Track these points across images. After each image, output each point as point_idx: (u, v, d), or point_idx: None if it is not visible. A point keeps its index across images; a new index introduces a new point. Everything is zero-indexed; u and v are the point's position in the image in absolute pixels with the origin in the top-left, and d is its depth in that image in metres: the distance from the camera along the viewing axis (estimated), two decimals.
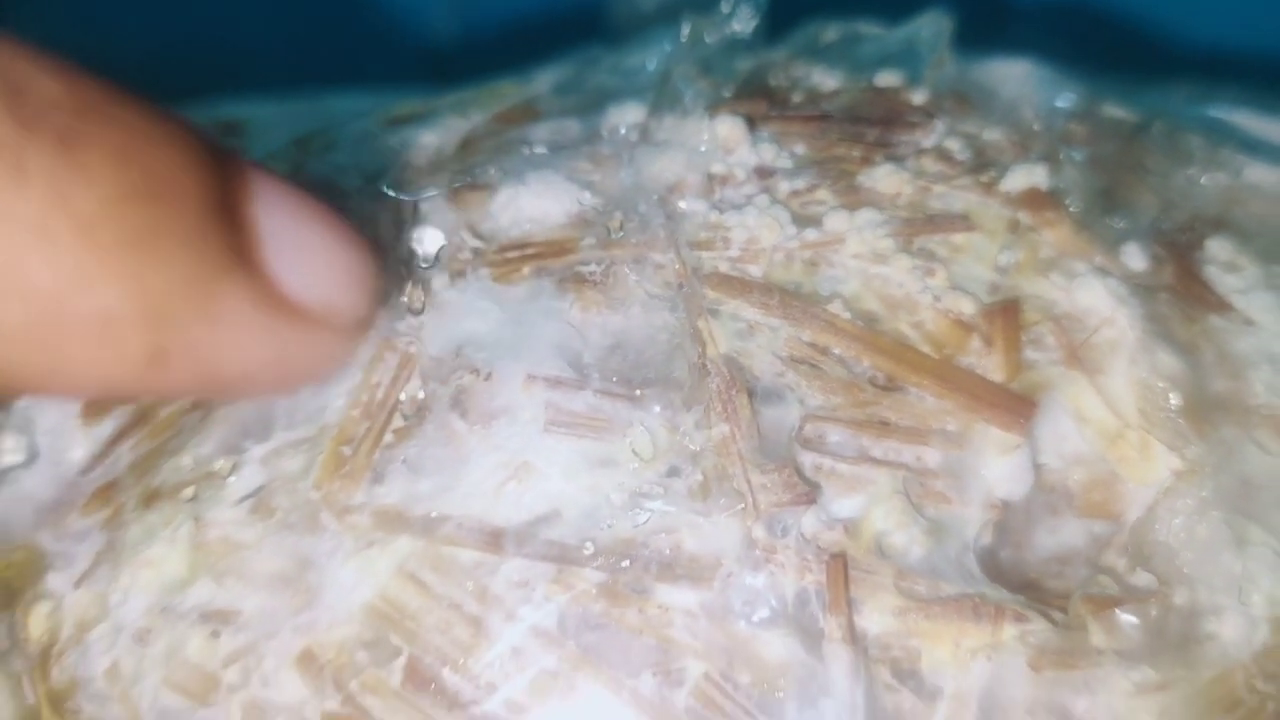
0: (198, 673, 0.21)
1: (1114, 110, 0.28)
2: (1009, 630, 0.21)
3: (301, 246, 0.13)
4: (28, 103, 0.11)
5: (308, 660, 0.20)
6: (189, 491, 0.22)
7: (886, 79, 0.28)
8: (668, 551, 0.21)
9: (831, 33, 0.30)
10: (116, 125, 0.11)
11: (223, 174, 0.12)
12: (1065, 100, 0.28)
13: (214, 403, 0.23)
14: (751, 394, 0.22)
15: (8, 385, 0.12)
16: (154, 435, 0.23)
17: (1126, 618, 0.21)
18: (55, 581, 0.22)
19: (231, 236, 0.12)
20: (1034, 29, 0.31)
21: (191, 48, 0.46)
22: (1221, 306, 0.24)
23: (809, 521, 0.21)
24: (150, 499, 0.22)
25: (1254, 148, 0.29)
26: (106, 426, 0.24)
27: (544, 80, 0.30)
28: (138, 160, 0.11)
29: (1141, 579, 0.22)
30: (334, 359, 0.15)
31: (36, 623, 0.22)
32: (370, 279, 0.15)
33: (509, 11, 0.49)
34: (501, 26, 0.49)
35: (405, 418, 0.22)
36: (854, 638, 0.21)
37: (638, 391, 0.22)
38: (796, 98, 0.28)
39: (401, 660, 0.20)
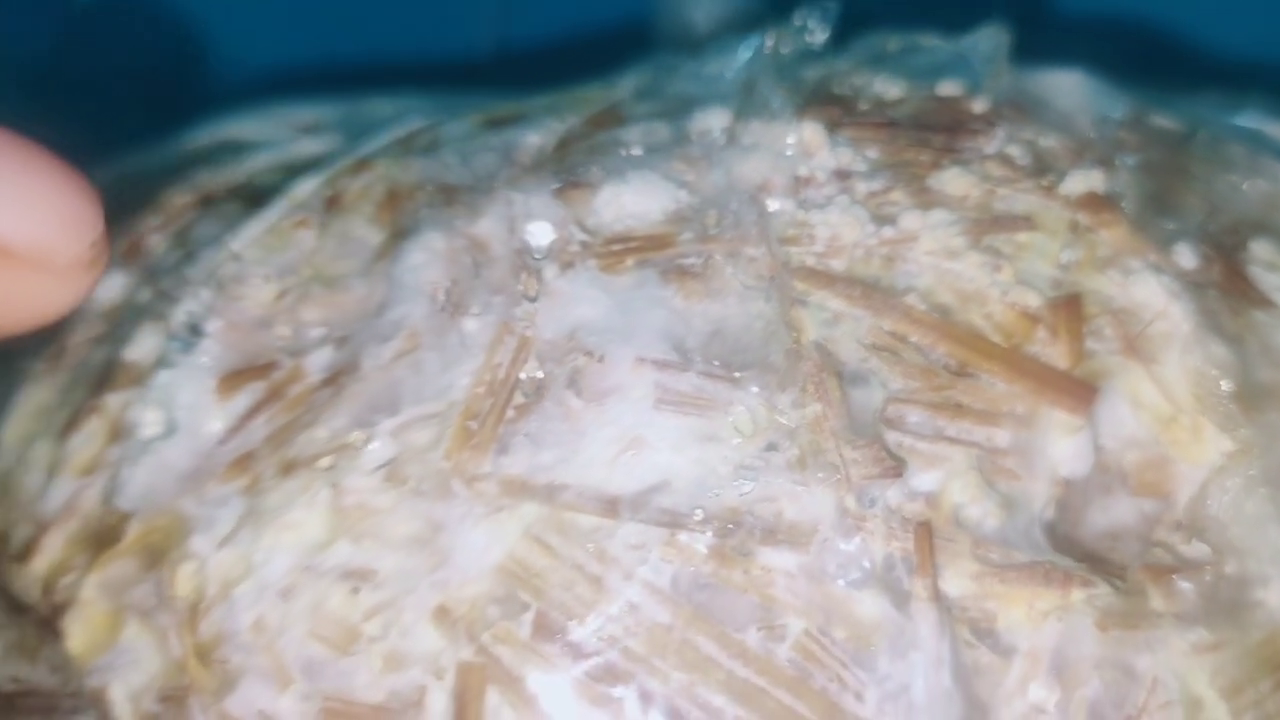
0: (340, 625, 0.23)
1: (1161, 120, 0.30)
2: (1077, 594, 0.23)
3: (7, 188, 0.14)
4: None
5: (443, 614, 0.22)
6: (325, 461, 0.24)
7: (948, 88, 0.30)
8: (769, 518, 0.23)
9: (893, 44, 0.32)
10: None
11: None
12: (1115, 109, 0.30)
13: (344, 380, 0.25)
14: (839, 377, 0.24)
15: None
16: (287, 410, 0.25)
17: (1183, 584, 0.24)
18: (199, 544, 0.24)
19: None
20: (1076, 40, 0.33)
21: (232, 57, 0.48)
22: (1264, 303, 0.26)
23: (894, 494, 0.23)
24: (288, 468, 0.24)
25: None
26: (240, 402, 0.26)
27: (625, 85, 0.32)
28: None
29: (1196, 550, 0.24)
30: (57, 300, 0.15)
31: (183, 581, 0.24)
32: (84, 223, 0.15)
33: (547, 25, 0.51)
34: (538, 39, 0.51)
35: (525, 395, 0.24)
36: (939, 597, 0.23)
37: (737, 374, 0.24)
38: (863, 105, 0.30)
39: (530, 614, 0.22)
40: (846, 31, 0.33)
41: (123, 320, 0.29)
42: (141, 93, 0.47)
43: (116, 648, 0.25)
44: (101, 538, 0.25)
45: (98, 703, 0.25)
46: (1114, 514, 0.26)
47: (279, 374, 0.26)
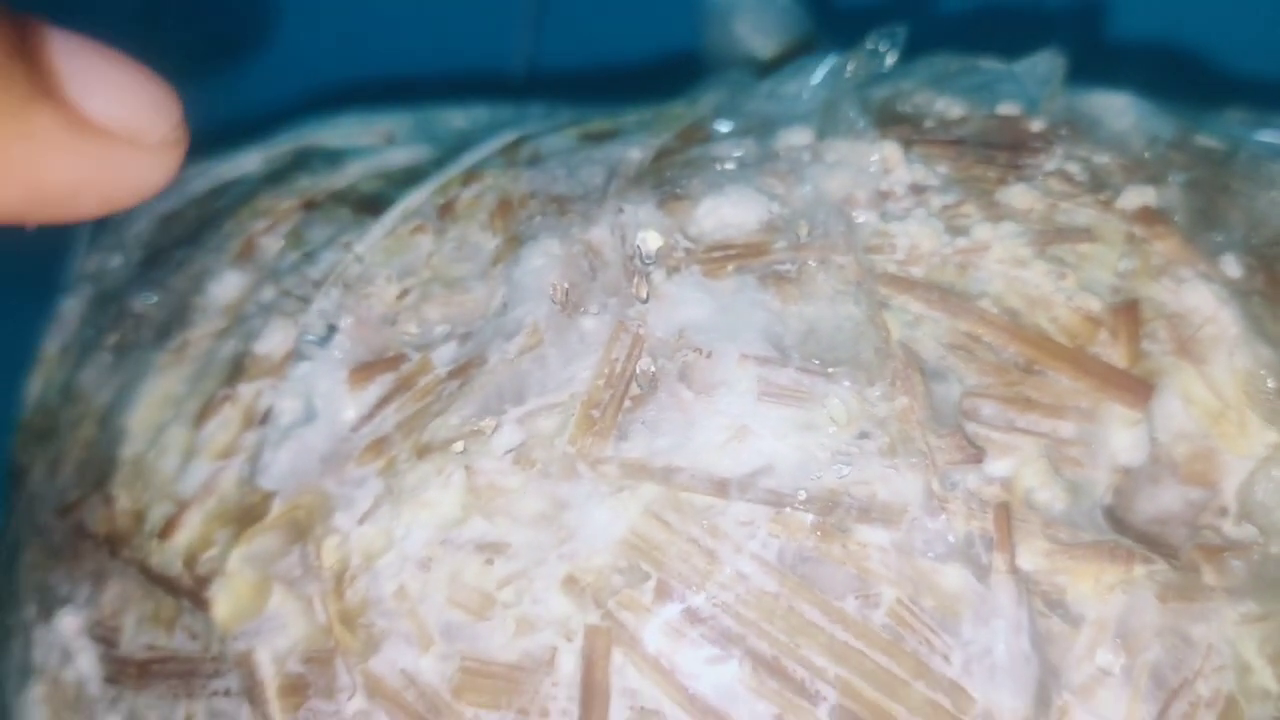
0: (476, 593, 0.25)
1: (1205, 140, 0.33)
2: (1139, 570, 0.26)
3: (99, 80, 0.16)
4: None
5: (571, 583, 0.25)
6: (458, 445, 0.26)
7: (1007, 108, 0.33)
8: (864, 499, 0.25)
9: (954, 65, 0.35)
10: None
11: (16, 30, 0.15)
12: (1163, 129, 0.32)
13: (472, 373, 0.27)
14: (922, 373, 0.27)
15: None
16: (416, 399, 0.28)
17: (1234, 562, 0.26)
18: (341, 520, 0.27)
19: (33, 74, 0.15)
20: (1126, 62, 0.36)
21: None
22: None
23: (972, 478, 0.26)
24: (423, 451, 0.27)
25: None
26: (371, 392, 0.28)
27: (706, 102, 0.34)
28: None
29: (1244, 531, 0.27)
30: (151, 176, 0.16)
31: (329, 553, 0.27)
32: (166, 106, 0.16)
33: (581, 42, 0.53)
34: (571, 56, 0.53)
35: (640, 388, 0.27)
36: (1016, 571, 0.25)
37: (831, 369, 0.27)
38: (929, 124, 0.33)
39: (651, 583, 0.25)
40: (909, 54, 0.36)
41: (247, 316, 0.32)
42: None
43: (263, 614, 0.27)
44: (244, 514, 0.28)
45: (243, 665, 0.27)
46: (1161, 501, 0.28)
47: (408, 366, 0.28)
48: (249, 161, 0.41)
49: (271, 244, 0.34)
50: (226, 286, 0.33)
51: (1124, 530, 0.27)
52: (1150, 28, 0.47)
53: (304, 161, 0.40)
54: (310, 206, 0.35)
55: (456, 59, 0.53)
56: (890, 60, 0.33)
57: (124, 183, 0.16)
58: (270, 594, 0.27)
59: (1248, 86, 0.49)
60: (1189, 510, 0.28)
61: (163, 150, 0.16)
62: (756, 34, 0.51)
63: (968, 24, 0.48)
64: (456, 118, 0.43)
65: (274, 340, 0.30)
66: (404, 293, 0.30)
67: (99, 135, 0.16)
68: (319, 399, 0.28)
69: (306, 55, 0.51)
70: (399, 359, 0.28)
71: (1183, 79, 0.46)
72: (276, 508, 0.28)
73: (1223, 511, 0.27)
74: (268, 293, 0.32)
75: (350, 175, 0.36)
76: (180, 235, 0.38)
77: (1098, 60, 0.42)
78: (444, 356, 0.28)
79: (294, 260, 0.32)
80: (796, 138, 0.31)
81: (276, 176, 0.39)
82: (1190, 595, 0.26)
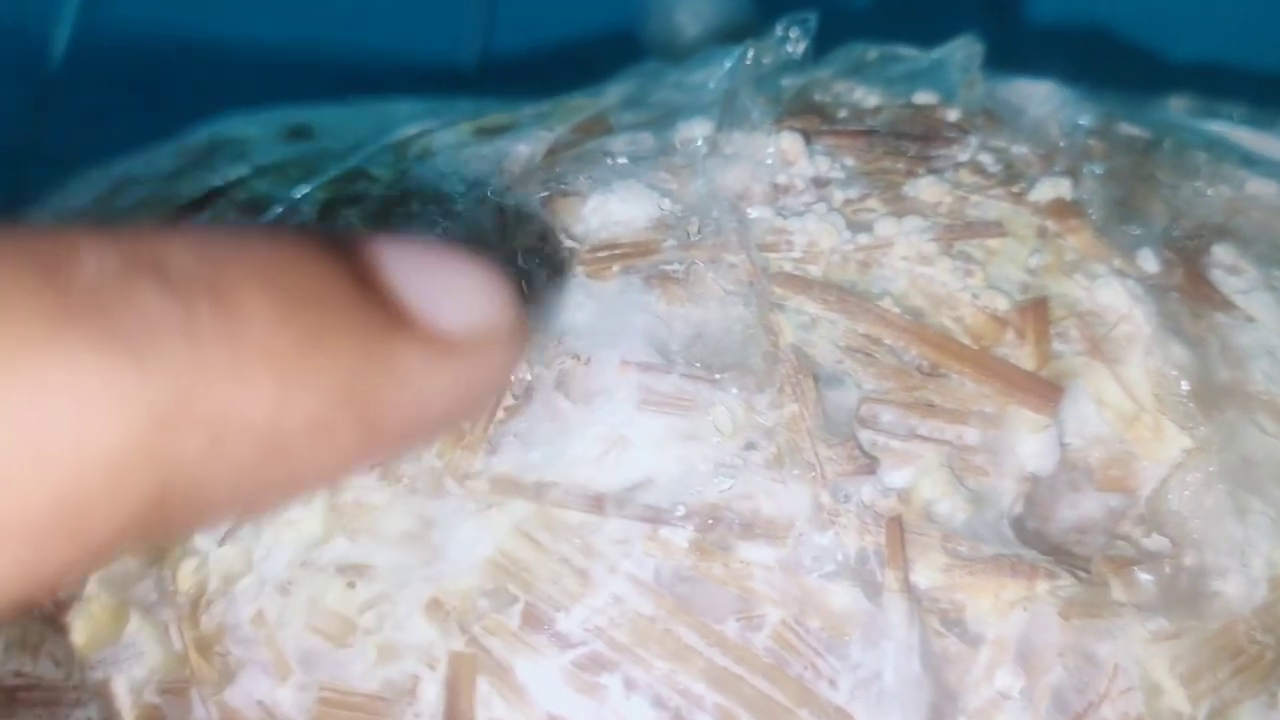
0: (336, 618, 0.24)
1: (1128, 128, 0.31)
2: (1042, 585, 0.24)
3: (438, 286, 0.14)
4: (177, 275, 0.12)
5: (435, 607, 0.23)
6: None
7: (923, 97, 0.32)
8: (747, 514, 0.24)
9: (871, 54, 0.33)
10: (249, 262, 0.13)
11: (349, 256, 0.14)
12: (1084, 118, 0.31)
13: None
14: (816, 378, 0.25)
15: (251, 509, 0.14)
16: None
17: (1143, 575, 0.25)
18: (201, 540, 0.25)
19: (381, 306, 0.13)
20: (1050, 50, 0.34)
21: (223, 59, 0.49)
22: (1225, 305, 0.27)
23: (867, 490, 0.24)
24: None
25: (1252, 162, 0.32)
26: None
27: (612, 94, 0.33)
28: (279, 281, 0.13)
29: (1156, 543, 0.25)
30: (503, 375, 0.15)
31: (185, 577, 0.25)
32: (507, 290, 0.15)
33: (534, 32, 0.52)
34: (525, 46, 0.52)
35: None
36: (909, 589, 0.24)
37: (717, 375, 0.25)
38: (842, 114, 0.31)
39: (519, 606, 0.23)
40: (828, 42, 0.34)
41: None
42: (140, 97, 0.48)
43: (120, 641, 0.26)
44: None
45: (101, 694, 0.26)
46: (1081, 509, 0.27)
47: None
48: (160, 157, 0.40)
49: None
50: None
51: (1036, 541, 0.26)
52: (1090, 12, 0.45)
53: (210, 159, 0.38)
54: (198, 206, 0.34)
55: (409, 50, 0.51)
56: (800, 48, 0.31)
57: (490, 381, 0.15)
58: (127, 620, 0.26)
59: (1194, 73, 0.47)
60: (1111, 518, 0.27)
61: (514, 337, 0.15)
62: (697, 22, 0.49)
63: (908, 9, 0.47)
64: (376, 111, 0.42)
65: None
66: None
67: (459, 346, 0.14)
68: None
69: (255, 45, 0.49)
70: None
71: (1125, 65, 0.45)
72: None
73: (1141, 519, 0.26)
74: None
75: (243, 172, 0.34)
76: None
77: (1032, 46, 0.41)
78: None
79: None
80: (696, 130, 0.29)
81: (180, 174, 0.37)
82: (1096, 612, 0.24)
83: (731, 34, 0.39)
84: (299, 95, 0.41)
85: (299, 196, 0.30)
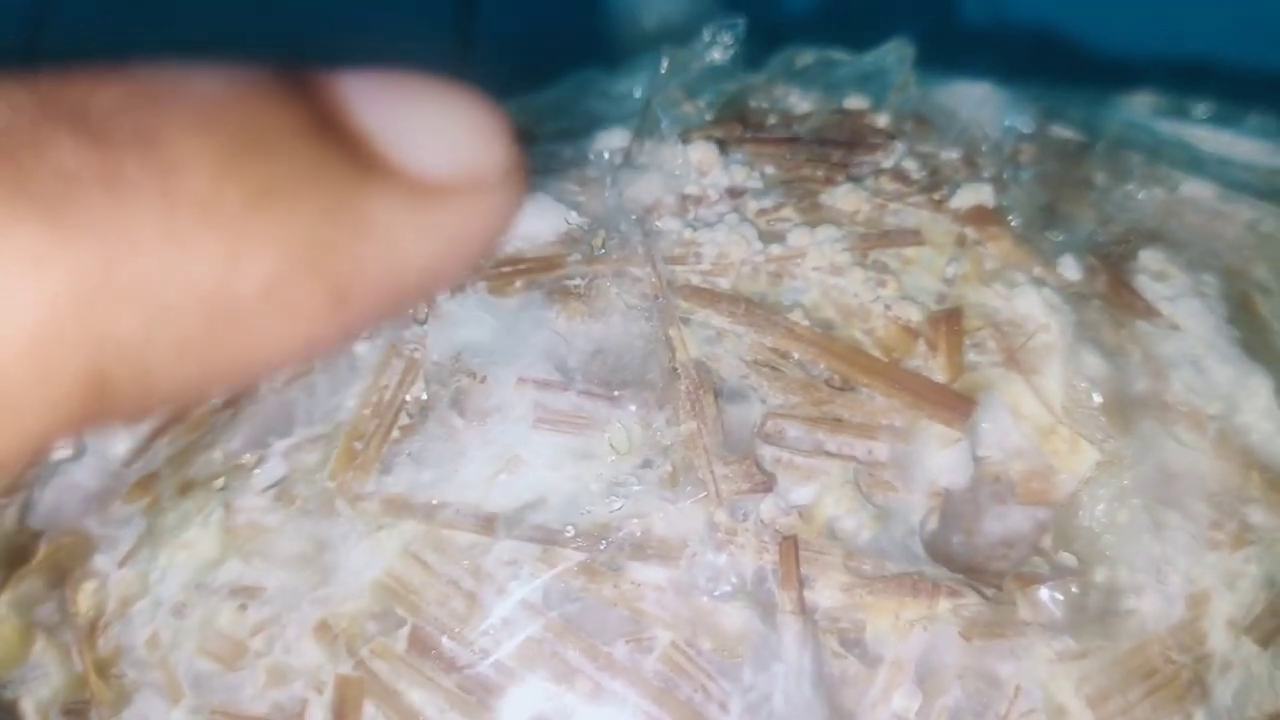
0: (228, 641, 0.24)
1: (1062, 131, 0.30)
2: (944, 604, 0.24)
3: (415, 124, 0.12)
4: (99, 122, 0.11)
5: (324, 630, 0.23)
6: (220, 482, 0.25)
7: (854, 102, 0.31)
8: (639, 534, 0.23)
9: (807, 58, 0.33)
10: (186, 104, 0.11)
11: (308, 95, 0.12)
12: (1018, 121, 0.30)
13: (243, 402, 0.26)
14: (718, 394, 0.25)
15: (211, 387, 0.12)
16: (189, 431, 0.26)
17: (1050, 593, 0.24)
18: (101, 562, 0.25)
19: (346, 149, 0.12)
20: (990, 51, 0.34)
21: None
22: (1149, 312, 0.27)
23: (767, 508, 0.24)
24: (186, 488, 0.25)
25: (1201, 164, 0.31)
26: (146, 424, 0.27)
27: (540, 103, 0.32)
28: (222, 125, 0.11)
29: (1066, 559, 0.24)
30: (500, 219, 0.13)
31: (84, 599, 0.25)
32: (497, 125, 0.13)
33: (513, 33, 0.51)
34: (504, 48, 0.51)
35: (410, 416, 0.25)
36: (804, 610, 0.23)
37: (616, 392, 0.25)
38: (772, 120, 0.31)
39: (406, 629, 0.23)
40: (770, 45, 0.34)
41: None
42: None
43: (29, 662, 0.26)
44: (15, 556, 0.26)
45: (11, 714, 0.26)
46: (1008, 523, 0.26)
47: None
48: None
49: None
50: None
51: (956, 558, 0.25)
52: (1051, 10, 0.44)
53: None
54: None
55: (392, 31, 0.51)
56: (724, 55, 0.31)
57: (483, 233, 0.13)
58: (34, 641, 0.26)
59: (1163, 69, 0.46)
60: (1038, 532, 0.26)
61: (508, 178, 0.13)
62: (664, 21, 0.49)
63: (868, 11, 0.46)
64: None
65: None
66: None
67: (443, 194, 0.12)
68: (90, 433, 0.27)
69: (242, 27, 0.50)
70: None
71: (1090, 63, 0.44)
72: (42, 549, 0.26)
73: (1051, 533, 0.25)
74: None
75: None
76: None
77: (992, 44, 0.40)
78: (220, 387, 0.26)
79: None
80: (611, 141, 0.29)
81: None
82: (999, 631, 0.24)
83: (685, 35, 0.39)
84: None
85: None
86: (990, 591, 0.24)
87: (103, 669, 0.24)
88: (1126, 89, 0.36)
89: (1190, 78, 0.38)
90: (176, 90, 0.11)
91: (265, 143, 0.11)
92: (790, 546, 0.23)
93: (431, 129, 0.12)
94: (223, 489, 0.25)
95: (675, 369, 0.25)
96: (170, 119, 0.11)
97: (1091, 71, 0.39)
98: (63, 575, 0.25)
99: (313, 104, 0.12)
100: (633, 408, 0.24)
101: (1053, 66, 0.33)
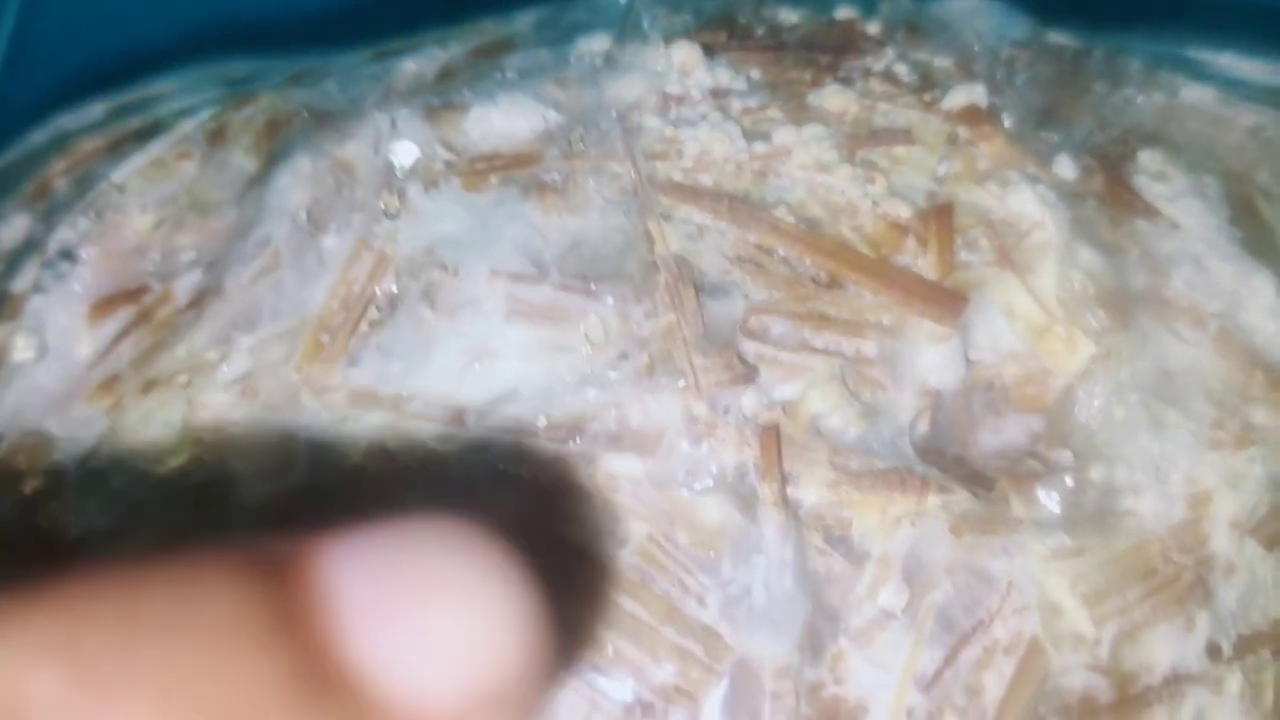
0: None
1: (1058, 37, 0.29)
2: (933, 500, 0.23)
3: (407, 623, 0.10)
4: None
5: None
6: (183, 379, 0.24)
7: (844, 12, 0.30)
8: (614, 425, 0.22)
9: None
10: (133, 650, 0.10)
11: (278, 586, 0.10)
12: (1013, 30, 0.29)
13: (208, 300, 0.25)
14: (699, 289, 0.24)
15: None
16: (153, 333, 0.25)
17: (1044, 490, 0.23)
18: (61, 462, 0.24)
19: (314, 668, 0.10)
20: None
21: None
22: (1148, 211, 0.26)
23: (749, 402, 0.23)
24: (148, 386, 0.24)
25: (1204, 75, 0.30)
26: (110, 326, 0.26)
27: (525, 19, 0.31)
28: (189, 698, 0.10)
29: (1060, 456, 0.23)
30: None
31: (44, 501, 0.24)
32: (518, 614, 0.10)
33: None
34: None
35: (380, 310, 0.24)
36: (785, 502, 0.22)
37: (592, 286, 0.24)
38: (759, 31, 0.30)
39: None
40: None
41: (17, 257, 0.30)
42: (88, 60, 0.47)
43: None
44: None
45: None
46: (1005, 435, 0.25)
47: (149, 298, 0.26)
48: (93, 112, 0.39)
49: (63, 186, 0.32)
50: (13, 229, 0.31)
51: (944, 468, 0.24)
52: None
53: (142, 107, 0.37)
54: (115, 147, 0.33)
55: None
56: None
57: None
58: None
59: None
60: (1033, 441, 0.25)
61: (527, 680, 0.11)
62: None
63: None
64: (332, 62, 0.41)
65: (26, 277, 0.28)
66: (160, 222, 0.27)
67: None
68: (53, 335, 0.26)
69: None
70: (141, 291, 0.26)
71: None
72: (1, 451, 0.25)
73: (1046, 428, 0.24)
74: (38, 231, 0.30)
75: (158, 114, 0.34)
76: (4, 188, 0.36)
77: None
78: (186, 286, 0.26)
79: (70, 197, 0.30)
80: (593, 45, 0.28)
81: (101, 124, 0.37)
82: (991, 528, 0.23)
83: None
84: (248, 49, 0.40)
85: (191, 125, 0.29)
86: (981, 491, 0.23)
87: None
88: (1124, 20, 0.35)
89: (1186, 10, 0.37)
90: (128, 620, 0.10)
91: (214, 669, 0.10)
92: (771, 437, 0.23)
93: (427, 630, 0.10)
94: (186, 385, 0.24)
95: (654, 262, 0.24)
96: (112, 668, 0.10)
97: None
98: (20, 478, 0.25)
99: (279, 599, 0.10)
100: (610, 300, 0.24)
101: None
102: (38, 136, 0.38)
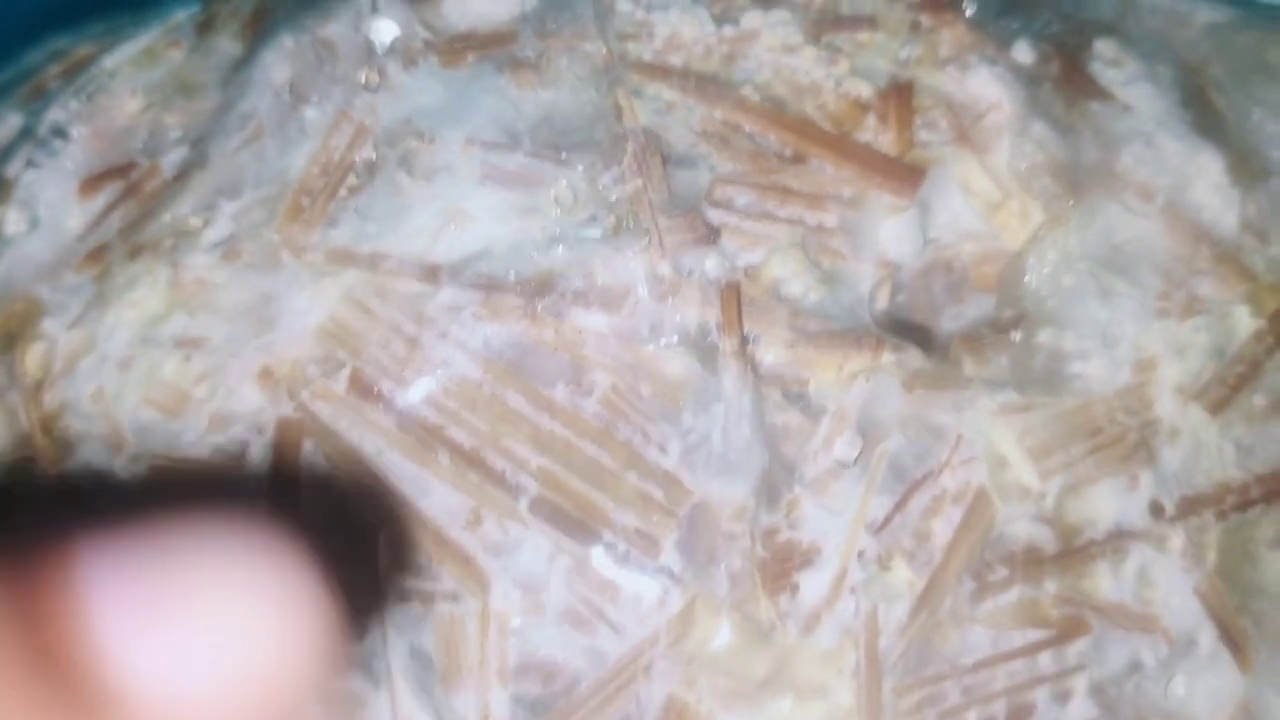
0: (171, 390, 0.24)
1: None
2: (887, 357, 0.24)
3: (169, 628, 0.10)
4: None
5: (266, 375, 0.23)
6: (168, 243, 0.25)
7: None
8: (582, 282, 0.23)
9: None
10: None
11: (23, 592, 0.10)
12: None
13: (192, 171, 0.26)
14: (666, 160, 0.25)
15: None
16: (140, 205, 0.26)
17: (994, 350, 0.24)
18: (50, 326, 0.25)
19: (62, 673, 0.10)
20: None
21: None
22: (1102, 94, 0.27)
23: (712, 264, 0.24)
24: (135, 252, 0.25)
25: None
26: (99, 201, 0.27)
27: None
28: None
29: (1009, 317, 0.24)
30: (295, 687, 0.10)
31: (32, 359, 0.25)
32: (297, 601, 0.10)
33: None
34: None
35: (358, 176, 0.25)
36: (745, 357, 0.23)
37: (563, 154, 0.25)
38: None
39: (346, 372, 0.23)
40: None
41: (11, 146, 0.30)
42: None
43: None
44: None
45: None
46: (965, 319, 0.26)
47: (136, 173, 0.27)
48: (90, 33, 0.40)
49: (59, 85, 0.33)
50: (8, 126, 0.32)
51: (904, 336, 0.25)
52: None
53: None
54: (107, 48, 0.34)
55: None
56: None
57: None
58: None
59: None
60: (989, 315, 0.26)
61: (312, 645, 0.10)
62: None
63: None
64: None
65: (20, 161, 0.28)
66: (149, 105, 0.28)
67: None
68: (44, 208, 0.27)
69: None
70: (129, 167, 0.27)
71: None
72: None
73: (997, 291, 0.25)
74: (32, 122, 0.30)
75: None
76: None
77: None
78: (173, 160, 0.26)
79: (61, 89, 0.31)
80: None
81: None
82: (941, 384, 0.24)
83: None
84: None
85: (182, 16, 0.30)
86: (935, 353, 0.24)
87: (47, 425, 0.24)
88: None
89: None
90: None
91: None
92: (733, 295, 0.23)
93: (193, 630, 0.10)
94: (171, 249, 0.25)
95: (623, 134, 0.25)
96: None
97: None
98: (12, 341, 0.25)
99: (27, 602, 0.10)
100: (579, 167, 0.24)
101: None
102: (34, 57, 0.39)
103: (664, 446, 0.23)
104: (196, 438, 0.23)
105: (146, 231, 0.25)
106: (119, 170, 0.27)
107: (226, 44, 0.29)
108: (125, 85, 0.28)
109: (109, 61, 0.29)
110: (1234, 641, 0.24)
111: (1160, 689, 0.23)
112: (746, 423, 0.23)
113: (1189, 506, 0.24)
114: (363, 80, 0.25)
